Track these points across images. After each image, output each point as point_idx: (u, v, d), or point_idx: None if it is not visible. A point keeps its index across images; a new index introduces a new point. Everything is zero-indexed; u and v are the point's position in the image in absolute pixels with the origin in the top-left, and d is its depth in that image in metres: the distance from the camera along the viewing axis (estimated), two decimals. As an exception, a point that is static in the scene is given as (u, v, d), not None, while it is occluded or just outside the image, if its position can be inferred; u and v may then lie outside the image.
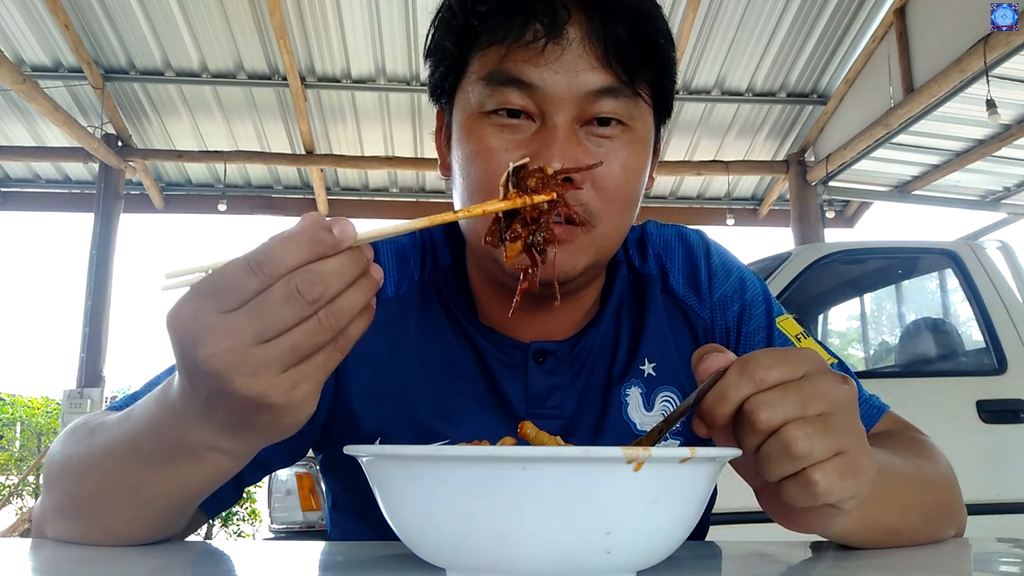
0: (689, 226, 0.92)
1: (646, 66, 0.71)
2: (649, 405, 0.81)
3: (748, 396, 0.51)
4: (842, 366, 0.83)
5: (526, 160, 0.58)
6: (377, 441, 0.77)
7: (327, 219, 0.47)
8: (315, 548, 0.70)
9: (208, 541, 0.78)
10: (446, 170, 0.79)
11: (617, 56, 0.69)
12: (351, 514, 0.85)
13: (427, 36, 0.76)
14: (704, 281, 0.87)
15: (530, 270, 0.60)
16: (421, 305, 0.82)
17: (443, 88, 0.76)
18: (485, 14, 0.70)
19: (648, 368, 0.82)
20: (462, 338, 0.81)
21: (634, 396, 0.81)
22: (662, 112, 0.77)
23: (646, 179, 0.76)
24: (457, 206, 0.75)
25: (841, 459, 0.50)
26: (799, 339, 0.85)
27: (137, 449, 0.57)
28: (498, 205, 0.56)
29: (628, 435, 0.79)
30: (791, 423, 0.50)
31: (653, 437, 0.55)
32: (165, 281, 0.48)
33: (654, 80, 0.73)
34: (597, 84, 0.69)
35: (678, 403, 0.81)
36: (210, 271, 0.47)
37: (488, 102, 0.70)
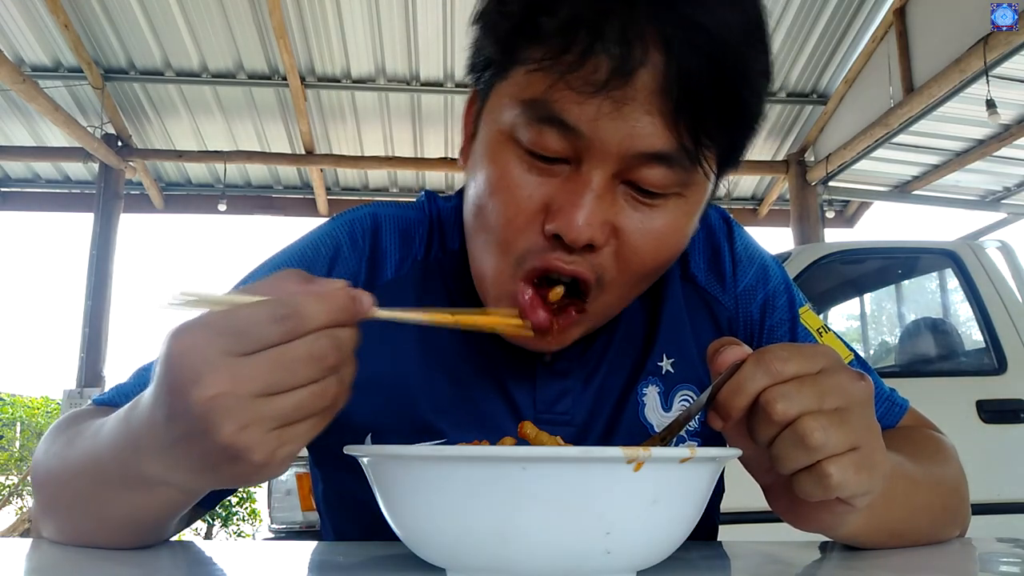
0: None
1: (721, 131, 0.58)
2: (667, 405, 0.76)
3: (765, 388, 0.50)
4: (860, 362, 0.81)
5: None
6: (368, 436, 0.74)
7: (347, 287, 0.47)
8: (315, 548, 0.70)
9: (208, 541, 0.78)
10: (466, 158, 0.69)
11: (688, 117, 0.56)
12: (340, 507, 0.83)
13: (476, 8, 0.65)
14: (728, 268, 0.80)
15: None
16: (422, 289, 0.76)
17: (479, 72, 0.66)
18: (541, 27, 0.57)
19: (666, 365, 0.77)
20: (466, 331, 0.74)
21: (651, 396, 0.76)
22: (727, 166, 0.65)
23: (685, 245, 0.66)
24: (466, 220, 0.70)
25: (856, 454, 0.50)
26: (820, 333, 0.82)
27: (99, 470, 0.56)
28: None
29: (647, 438, 0.73)
30: (807, 415, 0.49)
31: (674, 430, 0.55)
32: (174, 298, 0.45)
33: (727, 143, 0.61)
34: (653, 147, 0.57)
35: None
36: (223, 305, 0.44)
37: (523, 133, 0.59)
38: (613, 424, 0.75)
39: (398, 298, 0.75)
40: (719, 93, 0.56)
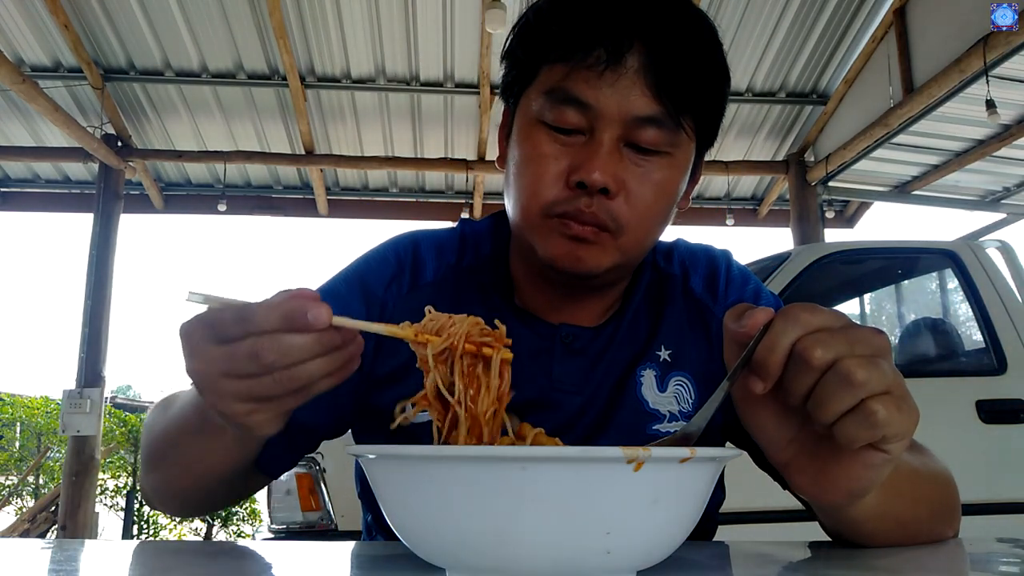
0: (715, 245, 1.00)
1: (693, 100, 0.77)
2: (662, 387, 0.87)
3: (798, 339, 0.52)
4: None
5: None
6: (397, 407, 0.78)
7: (310, 298, 0.54)
8: (315, 548, 0.70)
9: (208, 541, 0.78)
10: (503, 162, 0.87)
11: (667, 89, 0.75)
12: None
13: (506, 40, 0.84)
14: (722, 285, 0.94)
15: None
16: (457, 288, 0.90)
17: (512, 90, 0.84)
18: (557, 34, 0.77)
19: (664, 354, 0.89)
20: (496, 315, 0.87)
21: (648, 377, 0.87)
22: (705, 141, 0.84)
23: (678, 199, 0.83)
24: (507, 199, 0.84)
25: (892, 395, 0.52)
26: None
27: (184, 421, 0.72)
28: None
29: (641, 411, 0.85)
30: (846, 357, 0.51)
31: (708, 411, 0.56)
32: (189, 295, 0.57)
33: (699, 113, 0.79)
34: (644, 111, 0.75)
35: (690, 387, 0.87)
36: (221, 303, 0.56)
37: (547, 114, 0.77)
38: (614, 396, 0.86)
39: (435, 296, 0.89)
40: (686, 73, 0.75)
